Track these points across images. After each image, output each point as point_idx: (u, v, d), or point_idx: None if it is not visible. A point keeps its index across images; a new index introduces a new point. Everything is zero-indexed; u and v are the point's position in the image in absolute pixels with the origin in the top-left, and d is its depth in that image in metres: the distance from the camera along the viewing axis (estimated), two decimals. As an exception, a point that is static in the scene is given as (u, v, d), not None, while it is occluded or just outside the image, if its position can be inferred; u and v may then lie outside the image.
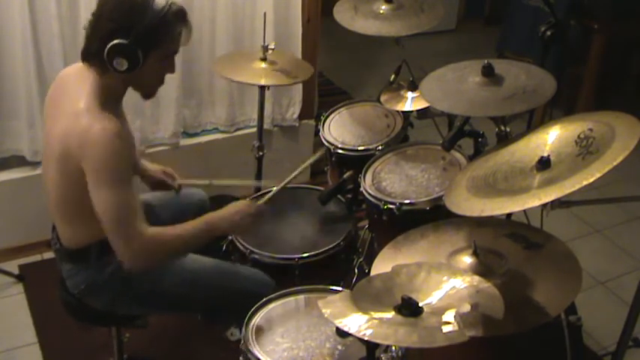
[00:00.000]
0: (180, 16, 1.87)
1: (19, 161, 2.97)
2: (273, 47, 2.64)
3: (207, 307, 2.16)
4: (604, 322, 2.74)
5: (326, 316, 1.42)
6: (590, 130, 1.66)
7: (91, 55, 1.84)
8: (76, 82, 1.88)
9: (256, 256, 2.19)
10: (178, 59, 1.98)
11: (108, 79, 1.85)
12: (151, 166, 2.30)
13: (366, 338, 1.35)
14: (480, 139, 2.18)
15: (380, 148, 2.56)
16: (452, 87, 2.10)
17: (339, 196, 2.42)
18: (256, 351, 1.73)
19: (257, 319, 1.84)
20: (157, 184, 2.30)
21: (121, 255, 1.83)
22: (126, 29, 1.78)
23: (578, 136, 1.66)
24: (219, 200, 2.41)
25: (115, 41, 1.78)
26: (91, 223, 1.93)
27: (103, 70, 1.84)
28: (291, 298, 1.93)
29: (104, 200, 1.79)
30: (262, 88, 2.69)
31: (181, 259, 2.07)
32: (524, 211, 2.09)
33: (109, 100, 1.85)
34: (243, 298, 1.96)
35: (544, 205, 1.54)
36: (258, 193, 2.36)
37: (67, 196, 1.89)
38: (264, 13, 2.69)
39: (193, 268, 2.07)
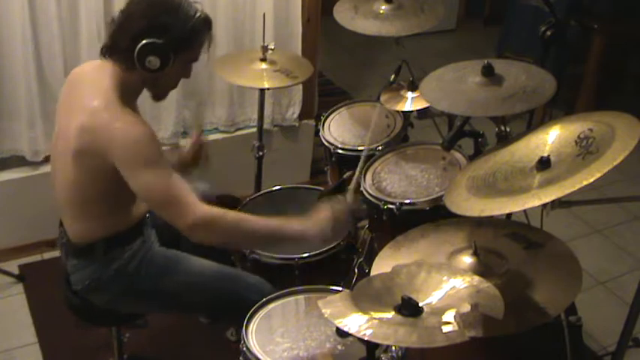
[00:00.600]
0: (208, 25, 1.91)
1: (19, 161, 2.97)
2: (272, 47, 2.64)
3: (208, 310, 2.15)
4: (604, 322, 2.74)
5: (326, 316, 1.42)
6: (590, 130, 1.66)
7: (119, 50, 1.84)
8: (92, 79, 1.89)
9: (256, 256, 2.19)
10: (205, 54, 1.98)
11: (129, 76, 1.86)
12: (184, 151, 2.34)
13: (366, 338, 1.35)
14: (479, 139, 2.18)
15: (380, 148, 2.56)
16: (452, 87, 2.10)
17: (339, 196, 2.42)
18: (256, 351, 1.73)
19: (257, 319, 1.84)
20: (192, 155, 2.32)
21: (182, 228, 1.81)
22: (161, 29, 1.80)
23: (578, 136, 1.66)
24: (222, 199, 2.42)
25: (150, 39, 1.79)
26: (100, 219, 1.95)
27: (128, 67, 1.85)
28: (291, 298, 1.92)
29: (147, 183, 1.80)
30: (262, 89, 2.69)
31: (188, 263, 2.07)
32: (524, 211, 2.09)
33: (126, 97, 1.87)
34: (243, 304, 1.95)
35: (544, 205, 1.54)
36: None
37: (80, 191, 1.89)
38: (264, 14, 2.69)
39: (197, 271, 2.07)
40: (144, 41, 1.79)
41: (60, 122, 1.96)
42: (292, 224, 1.92)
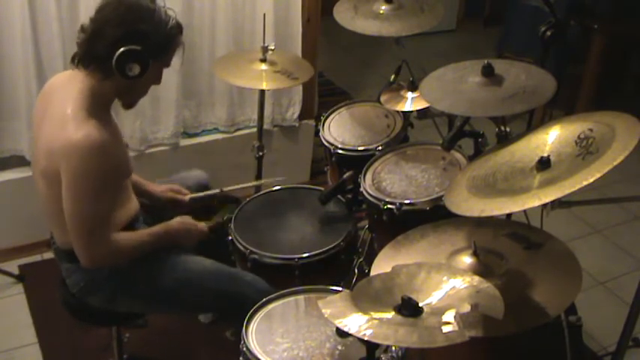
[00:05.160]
0: (180, 30, 1.92)
1: (19, 161, 2.97)
2: (272, 48, 2.64)
3: (205, 307, 2.15)
4: (604, 322, 2.73)
5: (326, 316, 1.42)
6: (590, 130, 1.66)
7: (95, 59, 1.83)
8: (64, 90, 1.87)
9: (256, 256, 2.19)
10: (178, 59, 1.99)
11: (101, 85, 1.85)
12: (158, 188, 2.28)
13: (366, 338, 1.35)
14: (479, 139, 2.18)
15: (380, 148, 2.56)
16: (452, 87, 2.10)
17: (339, 196, 2.42)
18: (256, 351, 1.73)
19: (257, 320, 1.84)
20: (168, 202, 2.28)
21: (81, 259, 1.87)
22: (139, 36, 1.80)
23: (578, 136, 1.66)
24: (224, 200, 2.42)
25: (129, 46, 1.78)
26: None
27: (104, 75, 1.83)
28: (291, 298, 1.92)
29: (74, 209, 1.82)
30: (262, 89, 2.69)
31: (184, 259, 2.08)
32: (524, 211, 2.09)
33: (97, 107, 1.85)
34: (241, 303, 1.95)
35: (544, 205, 1.54)
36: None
37: (56, 202, 1.87)
38: (264, 14, 2.69)
39: (195, 269, 2.07)
40: (122, 48, 1.78)
41: (34, 135, 1.96)
42: (155, 228, 2.03)
